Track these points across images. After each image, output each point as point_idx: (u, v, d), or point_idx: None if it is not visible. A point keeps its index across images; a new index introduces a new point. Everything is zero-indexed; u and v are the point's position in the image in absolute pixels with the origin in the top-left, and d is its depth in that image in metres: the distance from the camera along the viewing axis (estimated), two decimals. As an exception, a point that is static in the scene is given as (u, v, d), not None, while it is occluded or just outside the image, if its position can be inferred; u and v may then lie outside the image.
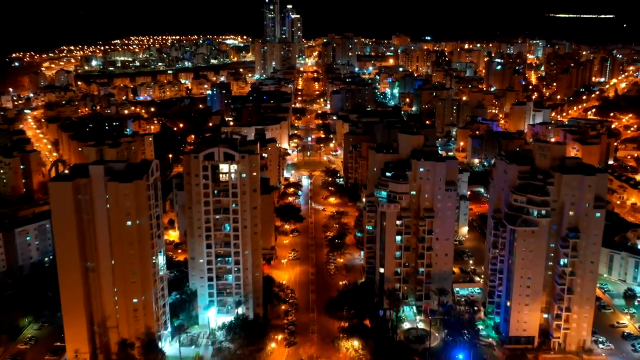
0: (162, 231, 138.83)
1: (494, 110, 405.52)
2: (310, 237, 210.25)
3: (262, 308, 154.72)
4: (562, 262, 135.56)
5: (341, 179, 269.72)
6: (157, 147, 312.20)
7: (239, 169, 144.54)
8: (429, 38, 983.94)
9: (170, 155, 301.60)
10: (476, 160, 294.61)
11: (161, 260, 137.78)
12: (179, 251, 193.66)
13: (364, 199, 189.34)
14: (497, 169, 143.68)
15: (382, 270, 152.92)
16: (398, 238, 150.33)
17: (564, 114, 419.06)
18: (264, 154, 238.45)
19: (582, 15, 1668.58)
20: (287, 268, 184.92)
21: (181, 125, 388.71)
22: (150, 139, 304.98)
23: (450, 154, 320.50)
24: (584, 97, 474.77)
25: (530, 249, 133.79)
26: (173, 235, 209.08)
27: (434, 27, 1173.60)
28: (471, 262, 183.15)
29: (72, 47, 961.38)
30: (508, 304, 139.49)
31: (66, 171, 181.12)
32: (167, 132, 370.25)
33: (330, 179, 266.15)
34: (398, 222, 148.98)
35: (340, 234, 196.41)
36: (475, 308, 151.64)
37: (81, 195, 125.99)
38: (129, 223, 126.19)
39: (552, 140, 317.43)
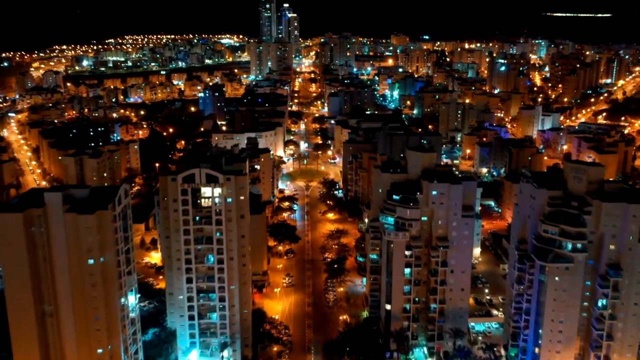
0: (133, 266, 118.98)
1: (499, 114, 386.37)
2: (307, 259, 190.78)
3: (251, 350, 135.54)
4: (600, 304, 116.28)
5: (340, 191, 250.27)
6: (144, 154, 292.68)
7: (224, 193, 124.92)
8: (427, 37, 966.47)
9: (158, 164, 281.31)
10: (484, 170, 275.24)
11: (132, 300, 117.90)
12: (161, 277, 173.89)
13: (366, 220, 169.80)
14: (523, 193, 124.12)
15: (388, 307, 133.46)
16: (407, 270, 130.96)
17: (573, 118, 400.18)
18: (256, 166, 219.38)
19: (579, 15, 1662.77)
20: (280, 297, 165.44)
21: (171, 130, 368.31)
22: (136, 146, 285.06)
23: (456, 162, 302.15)
24: (592, 100, 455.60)
25: (564, 288, 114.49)
26: (155, 257, 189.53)
27: (432, 26, 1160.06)
28: (486, 290, 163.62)
29: (64, 47, 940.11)
30: (536, 350, 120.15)
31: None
32: (156, 137, 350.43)
33: (328, 191, 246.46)
34: (407, 253, 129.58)
35: (339, 258, 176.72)
36: (496, 350, 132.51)
37: (35, 227, 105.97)
38: (91, 261, 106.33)
39: (565, 147, 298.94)
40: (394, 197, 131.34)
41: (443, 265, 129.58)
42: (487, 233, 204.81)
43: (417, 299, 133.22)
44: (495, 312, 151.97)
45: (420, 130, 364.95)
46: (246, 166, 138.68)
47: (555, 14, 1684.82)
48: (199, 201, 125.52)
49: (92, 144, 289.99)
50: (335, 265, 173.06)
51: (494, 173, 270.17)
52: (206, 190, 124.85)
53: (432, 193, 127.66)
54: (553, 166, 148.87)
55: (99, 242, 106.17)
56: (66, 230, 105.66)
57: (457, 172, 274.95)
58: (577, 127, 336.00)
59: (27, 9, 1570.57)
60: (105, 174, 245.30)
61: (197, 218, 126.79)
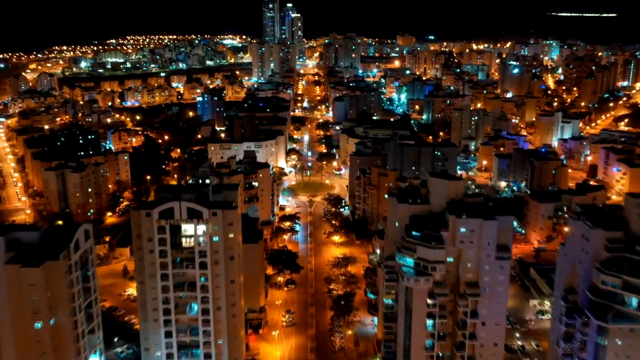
0: (97, 322, 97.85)
1: (514, 120, 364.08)
2: (310, 290, 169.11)
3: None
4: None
5: (346, 208, 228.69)
6: (137, 164, 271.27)
7: (209, 231, 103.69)
8: (432, 37, 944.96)
9: (149, 177, 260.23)
10: (503, 184, 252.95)
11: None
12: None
13: (377, 251, 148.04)
14: (573, 233, 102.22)
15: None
16: (429, 322, 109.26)
17: (593, 125, 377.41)
18: (254, 183, 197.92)
19: (584, 14, 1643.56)
20: (279, 340, 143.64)
21: (167, 137, 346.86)
22: (126, 157, 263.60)
23: (471, 173, 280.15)
24: (611, 104, 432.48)
25: (628, 353, 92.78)
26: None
27: (437, 25, 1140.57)
28: (517, 334, 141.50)
29: (64, 47, 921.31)
30: None
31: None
32: (150, 145, 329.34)
33: (333, 208, 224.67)
34: (429, 301, 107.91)
35: (347, 294, 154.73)
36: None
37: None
38: (38, 325, 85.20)
39: (589, 158, 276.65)
40: (414, 233, 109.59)
41: (473, 316, 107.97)
42: (512, 260, 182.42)
43: (441, 354, 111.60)
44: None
45: (430, 137, 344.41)
46: (237, 195, 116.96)
47: (559, 14, 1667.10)
48: (179, 240, 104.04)
49: (82, 153, 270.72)
50: (342, 302, 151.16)
51: (514, 187, 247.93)
52: (188, 228, 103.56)
53: (460, 230, 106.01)
54: (609, 205, 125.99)
55: (49, 301, 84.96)
56: (8, 286, 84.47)
57: (473, 186, 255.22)
58: (599, 135, 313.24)
59: (28, 9, 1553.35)
60: (89, 189, 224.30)
61: (178, 260, 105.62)
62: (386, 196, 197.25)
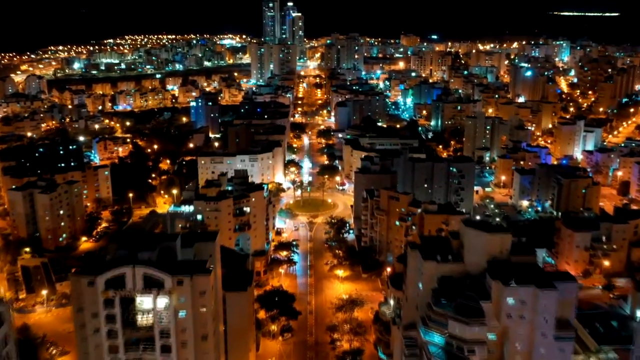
0: None
1: (529, 127, 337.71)
2: (310, 340, 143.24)
3: None
4: None
5: (351, 232, 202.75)
6: (121, 178, 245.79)
7: (174, 304, 77.56)
8: (435, 37, 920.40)
9: (132, 195, 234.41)
10: (525, 203, 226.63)
11: None
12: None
13: (391, 301, 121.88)
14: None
15: None
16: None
17: (615, 133, 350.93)
18: (245, 208, 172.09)
19: (586, 14, 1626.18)
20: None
21: (156, 146, 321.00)
22: (106, 172, 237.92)
23: (488, 189, 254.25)
24: (631, 110, 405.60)
25: None
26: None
27: (440, 24, 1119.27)
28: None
29: (59, 47, 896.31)
30: None
31: None
32: (138, 155, 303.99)
33: (336, 233, 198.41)
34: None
35: (353, 352, 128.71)
36: None
37: None
38: None
39: (619, 173, 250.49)
40: (443, 301, 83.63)
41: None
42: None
43: None
44: None
45: (441, 147, 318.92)
46: (215, 250, 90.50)
47: (562, 13, 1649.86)
48: (133, 317, 78.13)
49: (63, 164, 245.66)
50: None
51: (538, 208, 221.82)
52: (145, 300, 77.61)
53: (506, 301, 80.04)
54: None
55: None
56: None
57: (492, 205, 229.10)
58: (625, 145, 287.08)
59: (24, 8, 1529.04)
60: (61, 212, 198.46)
61: (134, 340, 79.57)
62: (397, 223, 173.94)
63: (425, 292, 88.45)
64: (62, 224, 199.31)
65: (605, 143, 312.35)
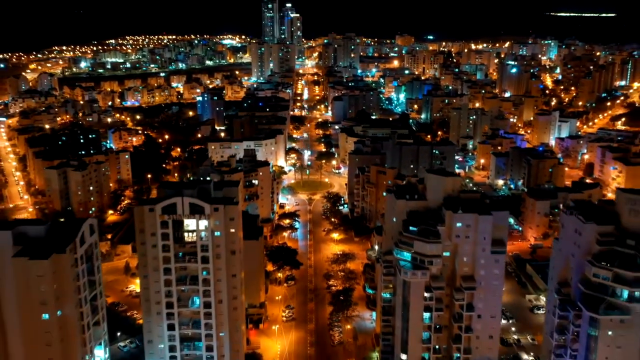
0: (102, 314, 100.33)
1: (512, 119, 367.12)
2: (309, 286, 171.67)
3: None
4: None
5: (345, 206, 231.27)
6: (137, 163, 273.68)
7: (211, 226, 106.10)
8: (431, 37, 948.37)
9: (150, 176, 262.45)
10: (500, 182, 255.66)
11: (100, 354, 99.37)
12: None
13: (375, 246, 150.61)
14: (565, 227, 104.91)
15: (404, 357, 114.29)
16: (426, 315, 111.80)
17: (590, 124, 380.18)
18: (254, 181, 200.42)
19: (583, 14, 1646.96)
20: (280, 334, 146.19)
21: (167, 136, 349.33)
22: (127, 156, 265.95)
23: (469, 172, 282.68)
24: (608, 104, 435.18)
25: (618, 344, 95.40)
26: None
27: (436, 25, 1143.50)
28: (513, 328, 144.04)
29: (64, 47, 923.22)
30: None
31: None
32: (150, 144, 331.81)
33: (332, 206, 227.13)
34: (426, 295, 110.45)
35: (346, 289, 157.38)
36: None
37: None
38: (45, 316, 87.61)
39: (586, 157, 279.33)
40: (411, 228, 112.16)
41: (468, 310, 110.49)
42: (508, 256, 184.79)
43: (437, 347, 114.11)
44: (525, 356, 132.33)
45: (429, 136, 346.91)
46: (238, 192, 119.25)
47: (558, 14, 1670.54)
48: (181, 235, 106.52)
49: (83, 152, 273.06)
50: (341, 297, 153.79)
51: (512, 186, 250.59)
52: (190, 223, 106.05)
53: (456, 225, 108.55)
54: (602, 201, 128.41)
55: (56, 293, 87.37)
56: (16, 278, 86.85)
57: (471, 185, 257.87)
58: (596, 134, 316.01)
59: (28, 9, 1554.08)
60: (91, 187, 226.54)
61: (180, 254, 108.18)
62: (385, 194, 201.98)
63: (397, 224, 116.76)
64: (92, 198, 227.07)
65: (579, 132, 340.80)
